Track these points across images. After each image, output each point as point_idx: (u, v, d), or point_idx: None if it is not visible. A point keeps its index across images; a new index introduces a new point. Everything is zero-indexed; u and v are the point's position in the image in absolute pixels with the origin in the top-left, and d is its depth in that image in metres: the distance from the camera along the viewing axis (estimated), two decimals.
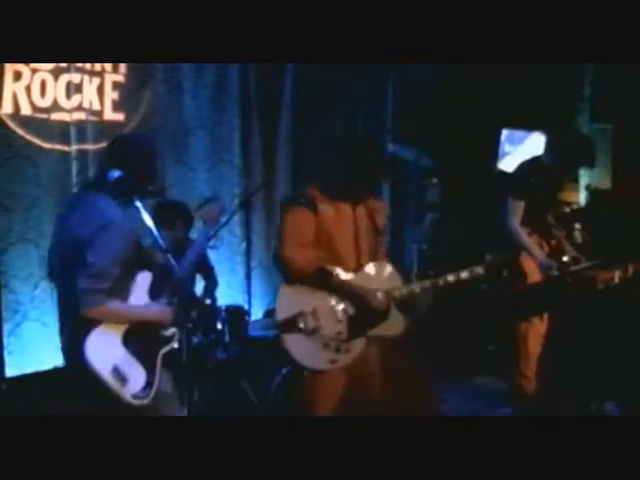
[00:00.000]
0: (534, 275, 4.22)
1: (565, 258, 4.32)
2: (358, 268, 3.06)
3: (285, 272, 3.00)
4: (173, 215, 4.46)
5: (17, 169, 4.72)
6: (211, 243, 4.73)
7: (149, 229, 2.82)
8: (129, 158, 2.74)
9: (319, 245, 3.01)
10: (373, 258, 3.13)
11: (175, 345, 2.86)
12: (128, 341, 2.69)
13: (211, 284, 4.82)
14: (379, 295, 3.00)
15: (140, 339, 2.72)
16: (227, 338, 4.45)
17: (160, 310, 2.82)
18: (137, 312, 2.76)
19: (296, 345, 2.89)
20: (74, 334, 2.70)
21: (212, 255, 4.95)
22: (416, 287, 3.09)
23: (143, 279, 2.80)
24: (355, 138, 3.31)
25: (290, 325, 2.86)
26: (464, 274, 3.16)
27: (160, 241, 2.87)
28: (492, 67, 5.24)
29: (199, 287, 4.92)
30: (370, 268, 3.09)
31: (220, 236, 4.84)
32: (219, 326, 4.45)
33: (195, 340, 4.21)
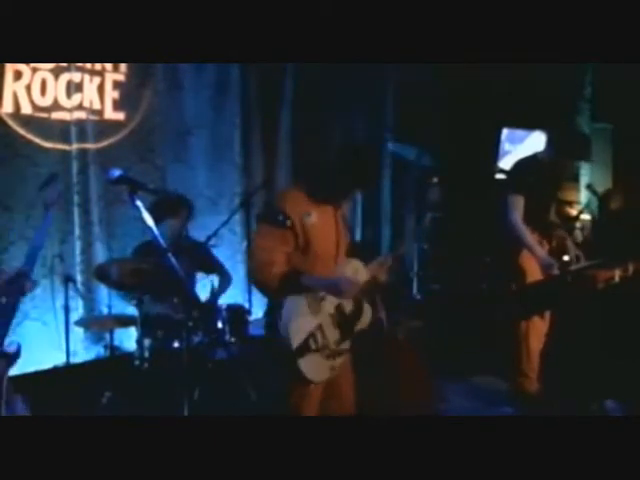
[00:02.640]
0: (535, 274, 4.22)
1: (566, 257, 4.32)
2: (334, 270, 3.01)
3: (261, 290, 3.00)
4: (174, 205, 4.50)
5: (17, 168, 4.73)
6: (212, 242, 4.74)
7: (149, 228, 2.82)
8: None
9: (295, 254, 2.93)
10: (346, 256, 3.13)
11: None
12: None
13: (224, 281, 4.82)
14: (348, 278, 2.98)
15: None
16: (228, 337, 4.45)
17: None
18: None
19: (307, 364, 2.86)
20: None
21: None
22: (382, 276, 3.13)
23: None
24: (354, 138, 3.23)
25: (304, 349, 2.84)
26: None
27: (160, 240, 2.87)
28: (492, 67, 5.23)
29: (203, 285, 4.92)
30: (348, 267, 3.05)
31: (221, 235, 4.85)
32: (220, 325, 4.44)
33: (196, 339, 4.21)
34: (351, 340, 3.06)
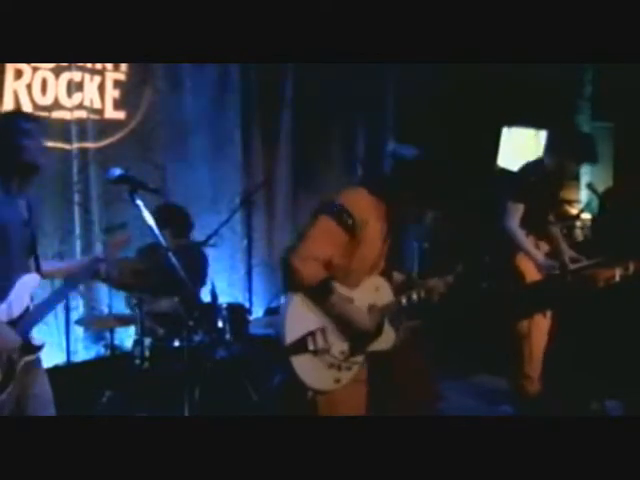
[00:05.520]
0: (533, 275, 4.21)
1: (566, 257, 4.31)
2: (358, 282, 2.92)
3: (287, 279, 2.81)
4: (172, 219, 4.47)
5: None
6: (211, 241, 4.74)
7: (150, 227, 2.82)
8: None
9: (342, 252, 2.82)
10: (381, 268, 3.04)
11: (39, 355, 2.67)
12: None
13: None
14: (367, 316, 2.89)
15: None
16: (228, 336, 4.45)
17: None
18: None
19: (303, 366, 2.75)
20: None
21: (212, 253, 4.95)
22: (403, 300, 3.01)
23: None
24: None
25: (300, 347, 2.73)
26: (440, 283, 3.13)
27: (161, 239, 2.87)
28: (492, 67, 5.23)
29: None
30: (369, 282, 2.96)
31: (221, 234, 4.85)
32: (220, 324, 4.44)
33: (196, 338, 4.21)
34: (366, 357, 2.94)
